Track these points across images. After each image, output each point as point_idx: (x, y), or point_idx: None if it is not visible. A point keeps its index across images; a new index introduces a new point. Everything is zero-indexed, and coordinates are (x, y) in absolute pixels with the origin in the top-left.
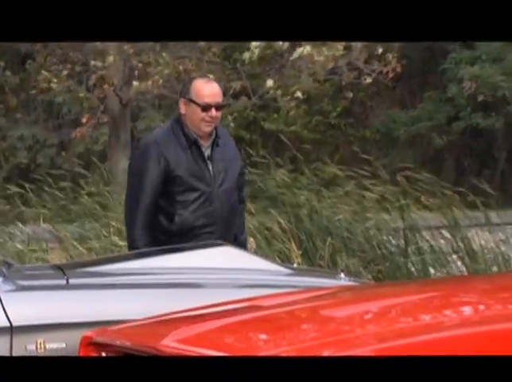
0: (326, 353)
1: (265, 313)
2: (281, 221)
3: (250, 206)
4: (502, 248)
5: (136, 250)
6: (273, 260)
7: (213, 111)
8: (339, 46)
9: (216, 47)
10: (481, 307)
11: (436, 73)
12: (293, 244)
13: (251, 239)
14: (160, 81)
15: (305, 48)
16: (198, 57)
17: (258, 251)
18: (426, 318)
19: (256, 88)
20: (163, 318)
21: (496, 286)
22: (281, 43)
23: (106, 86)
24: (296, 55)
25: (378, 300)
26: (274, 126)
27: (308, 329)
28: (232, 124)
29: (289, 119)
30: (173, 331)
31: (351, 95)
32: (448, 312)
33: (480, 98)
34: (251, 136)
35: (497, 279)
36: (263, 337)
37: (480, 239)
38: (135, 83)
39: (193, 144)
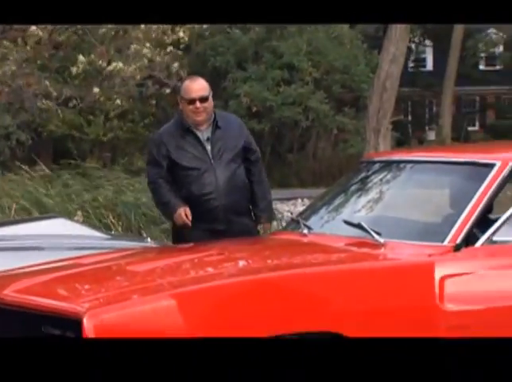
0: (134, 297)
1: (86, 268)
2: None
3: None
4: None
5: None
6: (96, 228)
7: (197, 103)
8: (145, 59)
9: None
10: (250, 261)
11: (220, 88)
12: (113, 218)
13: (79, 213)
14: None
15: (118, 64)
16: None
17: (87, 222)
18: (210, 270)
19: (84, 96)
20: (6, 274)
21: (263, 246)
22: (100, 61)
23: None
24: (110, 68)
25: (174, 257)
26: (96, 131)
27: (120, 280)
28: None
29: (108, 126)
30: (13, 283)
31: (154, 102)
32: (226, 265)
33: (254, 109)
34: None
35: (262, 241)
36: (85, 286)
37: None
38: None
39: (187, 130)
